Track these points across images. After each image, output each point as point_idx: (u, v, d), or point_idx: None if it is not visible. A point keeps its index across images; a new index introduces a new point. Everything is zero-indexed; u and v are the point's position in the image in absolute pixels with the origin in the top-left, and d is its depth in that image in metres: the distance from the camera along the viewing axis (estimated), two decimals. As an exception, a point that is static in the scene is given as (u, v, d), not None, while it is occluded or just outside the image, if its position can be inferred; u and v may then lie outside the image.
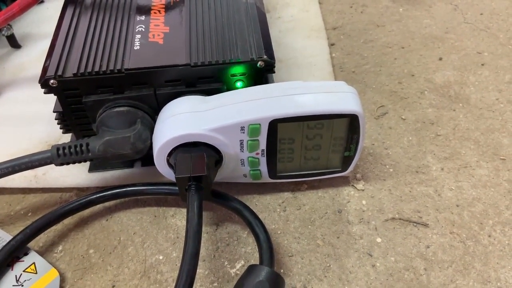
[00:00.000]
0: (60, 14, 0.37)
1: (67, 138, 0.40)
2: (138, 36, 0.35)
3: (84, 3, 0.38)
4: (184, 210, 0.36)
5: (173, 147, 0.31)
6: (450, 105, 0.43)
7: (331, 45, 0.51)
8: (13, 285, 0.30)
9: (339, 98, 0.31)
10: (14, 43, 0.51)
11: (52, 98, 0.36)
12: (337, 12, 0.56)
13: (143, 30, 0.35)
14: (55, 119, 0.35)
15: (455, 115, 0.42)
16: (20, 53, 0.51)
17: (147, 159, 0.37)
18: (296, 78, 0.46)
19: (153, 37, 0.35)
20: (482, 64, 0.48)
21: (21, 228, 0.33)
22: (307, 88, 0.32)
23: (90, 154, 0.32)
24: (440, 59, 0.48)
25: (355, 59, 0.49)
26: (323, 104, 0.31)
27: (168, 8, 0.38)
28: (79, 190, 0.38)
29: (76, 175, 0.38)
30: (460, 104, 0.43)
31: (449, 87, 0.45)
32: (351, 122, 0.31)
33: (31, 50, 0.51)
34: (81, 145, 0.32)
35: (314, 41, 0.51)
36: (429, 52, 0.49)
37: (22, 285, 0.31)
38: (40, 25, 0.55)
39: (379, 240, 0.33)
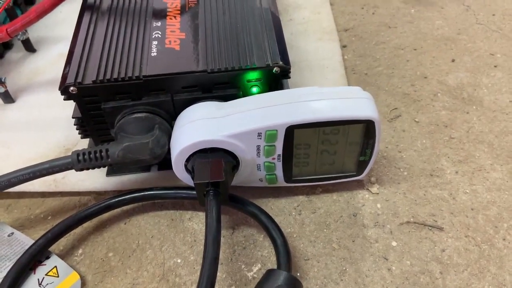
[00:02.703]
0: (77, 20, 0.38)
1: (84, 142, 0.41)
2: (155, 42, 0.35)
3: (100, 9, 0.38)
4: (201, 214, 0.37)
5: (191, 153, 0.32)
6: (464, 107, 0.43)
7: (343, 47, 0.51)
8: (35, 288, 0.31)
9: (355, 104, 0.31)
10: (29, 47, 0.52)
11: (68, 103, 0.37)
12: (348, 14, 0.56)
13: (160, 36, 0.36)
14: (74, 124, 0.36)
15: (469, 118, 0.42)
16: (36, 57, 0.52)
17: (163, 163, 0.37)
18: (309, 81, 0.46)
19: (169, 43, 0.35)
20: (495, 66, 0.48)
21: (41, 232, 0.34)
22: (323, 94, 0.32)
23: (109, 159, 0.33)
24: (453, 60, 0.48)
25: (367, 61, 0.49)
26: (339, 110, 0.31)
27: (183, 13, 0.38)
28: (97, 194, 0.38)
29: (94, 179, 0.38)
30: (474, 107, 0.43)
31: (462, 89, 0.45)
32: (367, 127, 0.32)
33: (46, 54, 0.52)
34: (100, 151, 0.33)
35: (326, 43, 0.51)
36: (442, 53, 0.49)
37: (45, 288, 0.31)
38: (54, 28, 0.55)
39: (394, 243, 0.34)
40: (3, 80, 0.45)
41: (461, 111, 0.43)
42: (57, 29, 0.55)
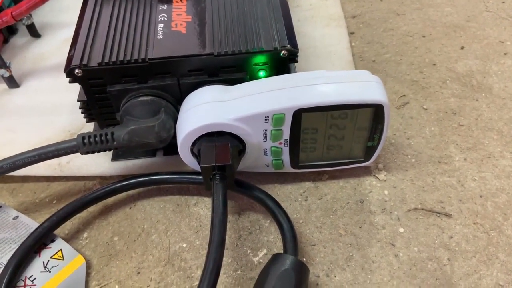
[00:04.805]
0: (83, 3, 0.37)
1: (89, 127, 0.41)
2: (161, 25, 0.35)
3: (106, -8, 0.38)
4: (206, 199, 0.36)
5: (197, 136, 0.31)
6: (473, 94, 0.43)
7: (351, 33, 0.51)
8: (41, 271, 0.31)
9: (364, 88, 0.31)
10: (34, 32, 0.52)
11: (73, 88, 0.37)
12: (356, 0, 0.55)
13: (166, 19, 0.35)
14: (79, 108, 0.35)
15: (478, 105, 0.42)
16: (40, 42, 0.52)
17: (169, 148, 0.37)
18: (316, 68, 0.46)
19: (175, 26, 0.35)
20: (505, 53, 0.47)
21: (46, 216, 0.33)
22: (331, 78, 0.31)
23: (115, 143, 0.32)
24: (462, 48, 0.48)
25: (375, 48, 0.49)
26: (348, 93, 0.31)
27: (189, -3, 0.38)
28: (102, 178, 0.38)
29: (99, 163, 0.38)
30: (483, 94, 0.43)
31: (471, 76, 0.45)
32: (376, 112, 0.31)
33: (51, 39, 0.52)
34: (106, 134, 0.32)
35: (334, 30, 0.50)
36: (451, 41, 0.49)
37: (50, 271, 0.31)
38: (59, 14, 0.55)
39: (401, 230, 0.33)
40: (8, 65, 0.44)
41: (470, 99, 0.42)
42: (62, 15, 0.55)
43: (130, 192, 0.37)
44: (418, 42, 0.49)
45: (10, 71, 0.45)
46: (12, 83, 0.46)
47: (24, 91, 0.46)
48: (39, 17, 0.54)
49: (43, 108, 0.44)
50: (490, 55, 0.47)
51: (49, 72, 0.48)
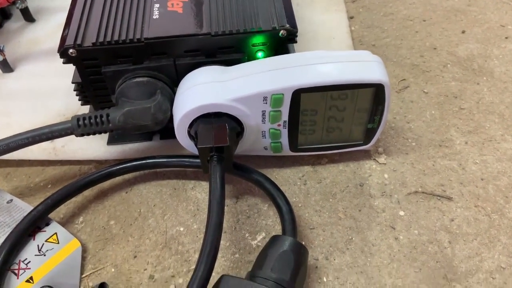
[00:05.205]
0: (77, -17, 0.36)
1: (84, 111, 0.40)
2: (157, 5, 0.34)
3: (100, -28, 0.37)
4: (204, 183, 0.36)
5: (194, 117, 0.31)
6: (474, 78, 0.42)
7: (350, 18, 0.50)
8: (35, 255, 0.31)
9: (364, 67, 0.30)
10: (28, 16, 0.51)
11: (68, 72, 0.36)
12: (355, -15, 0.55)
13: (162, -1, 0.35)
14: (74, 90, 0.35)
15: (479, 89, 0.41)
16: (35, 27, 0.51)
17: (165, 132, 0.37)
18: (315, 52, 0.45)
19: (172, 6, 0.34)
20: (506, 37, 0.46)
21: (41, 200, 0.33)
22: (331, 57, 0.31)
23: (110, 124, 0.32)
24: (463, 32, 0.47)
25: (375, 32, 0.48)
26: (348, 73, 0.30)
27: (186, -23, 0.37)
28: (98, 162, 0.38)
29: (95, 148, 0.37)
30: (484, 78, 0.42)
31: (472, 60, 0.44)
32: (377, 92, 0.31)
33: (46, 24, 0.51)
34: (101, 116, 0.32)
35: (333, 14, 0.49)
36: (452, 25, 0.48)
37: (45, 255, 0.31)
38: (54, -2, 0.54)
39: (402, 213, 0.33)
40: (1, 48, 0.44)
41: (471, 82, 0.42)
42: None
43: (126, 176, 0.36)
44: (419, 26, 0.48)
45: (4, 55, 0.44)
46: (6, 67, 0.45)
47: (18, 76, 0.45)
48: (33, 1, 0.53)
49: (38, 93, 0.43)
50: (491, 39, 0.46)
51: (44, 57, 0.47)
